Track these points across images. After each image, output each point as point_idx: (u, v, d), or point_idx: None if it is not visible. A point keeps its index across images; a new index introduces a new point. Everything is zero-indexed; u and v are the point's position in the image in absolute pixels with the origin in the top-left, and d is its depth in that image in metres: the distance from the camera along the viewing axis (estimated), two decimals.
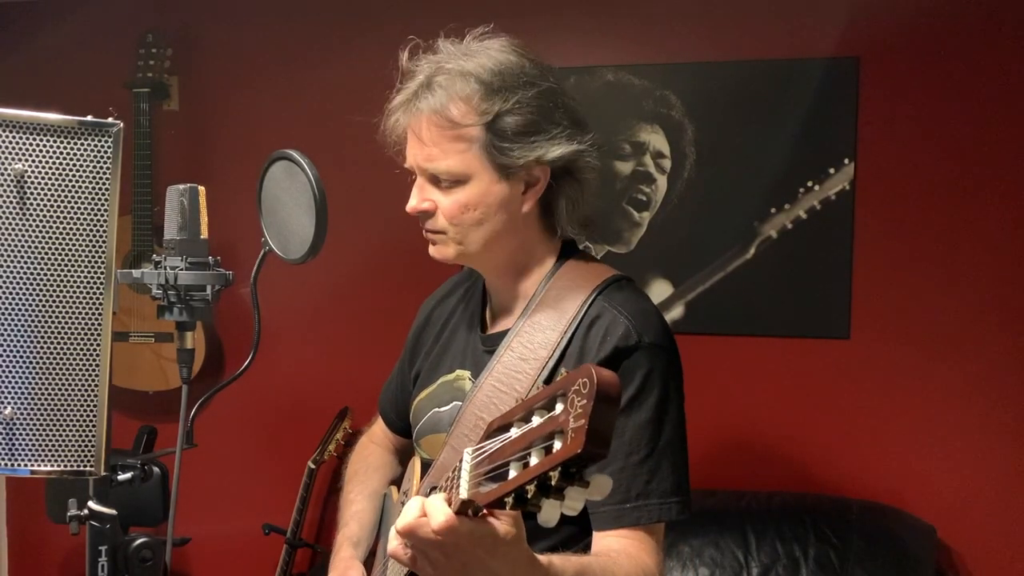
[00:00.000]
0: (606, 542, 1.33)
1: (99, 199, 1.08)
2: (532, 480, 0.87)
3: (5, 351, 1.07)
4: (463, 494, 0.98)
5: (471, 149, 1.34)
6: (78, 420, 1.09)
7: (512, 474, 0.91)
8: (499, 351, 1.41)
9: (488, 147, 1.34)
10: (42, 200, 1.06)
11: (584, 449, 0.82)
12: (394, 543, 1.06)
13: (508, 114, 1.33)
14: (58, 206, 1.07)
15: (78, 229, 1.08)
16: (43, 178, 1.06)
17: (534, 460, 0.88)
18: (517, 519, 1.04)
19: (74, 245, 1.08)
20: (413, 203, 1.41)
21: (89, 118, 1.08)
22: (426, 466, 1.48)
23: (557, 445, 0.86)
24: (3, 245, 1.06)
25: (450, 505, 1.00)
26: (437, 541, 1.00)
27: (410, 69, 1.40)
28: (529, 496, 0.88)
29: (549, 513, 0.89)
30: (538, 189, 1.39)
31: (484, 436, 0.99)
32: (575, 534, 1.38)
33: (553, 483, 0.86)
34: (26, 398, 1.08)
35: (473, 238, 1.39)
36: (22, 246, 1.06)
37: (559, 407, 0.88)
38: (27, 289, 1.07)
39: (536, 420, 0.91)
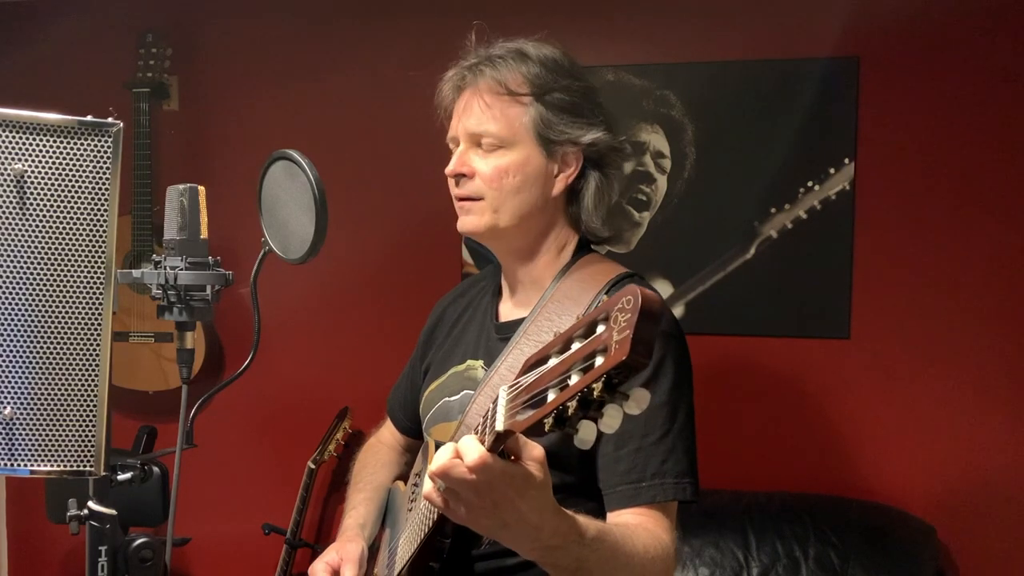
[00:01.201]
0: (623, 518, 1.35)
1: (99, 199, 1.08)
2: (574, 396, 0.89)
3: (5, 351, 1.07)
4: (500, 426, 0.99)
5: (520, 118, 1.44)
6: (78, 420, 1.09)
7: (551, 398, 0.92)
8: (514, 338, 1.45)
9: (536, 119, 1.44)
10: (42, 200, 1.06)
11: (629, 356, 0.84)
12: (428, 486, 1.08)
13: (558, 92, 1.45)
14: (58, 206, 1.07)
15: (78, 229, 1.08)
16: (43, 178, 1.06)
17: (574, 380, 0.90)
18: (544, 466, 1.06)
19: (74, 245, 1.08)
20: (452, 166, 1.48)
21: (89, 118, 1.08)
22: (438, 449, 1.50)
23: (599, 360, 0.88)
24: (3, 245, 1.06)
25: (483, 444, 1.02)
26: (470, 480, 1.01)
27: (473, 49, 1.50)
28: (570, 414, 0.90)
29: (586, 433, 0.91)
30: (570, 174, 1.47)
31: (520, 372, 1.02)
32: (592, 510, 1.39)
33: (595, 395, 0.88)
34: (26, 398, 1.08)
35: (508, 207, 1.45)
36: (22, 246, 1.06)
37: (601, 328, 0.91)
38: (27, 289, 1.07)
39: (576, 346, 0.93)
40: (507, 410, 1.00)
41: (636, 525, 1.32)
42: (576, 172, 1.47)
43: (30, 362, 1.08)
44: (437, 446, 1.48)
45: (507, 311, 1.55)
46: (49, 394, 1.09)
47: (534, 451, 1.05)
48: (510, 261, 1.54)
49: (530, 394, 0.96)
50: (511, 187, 1.44)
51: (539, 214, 1.47)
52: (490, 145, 1.44)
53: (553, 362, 0.96)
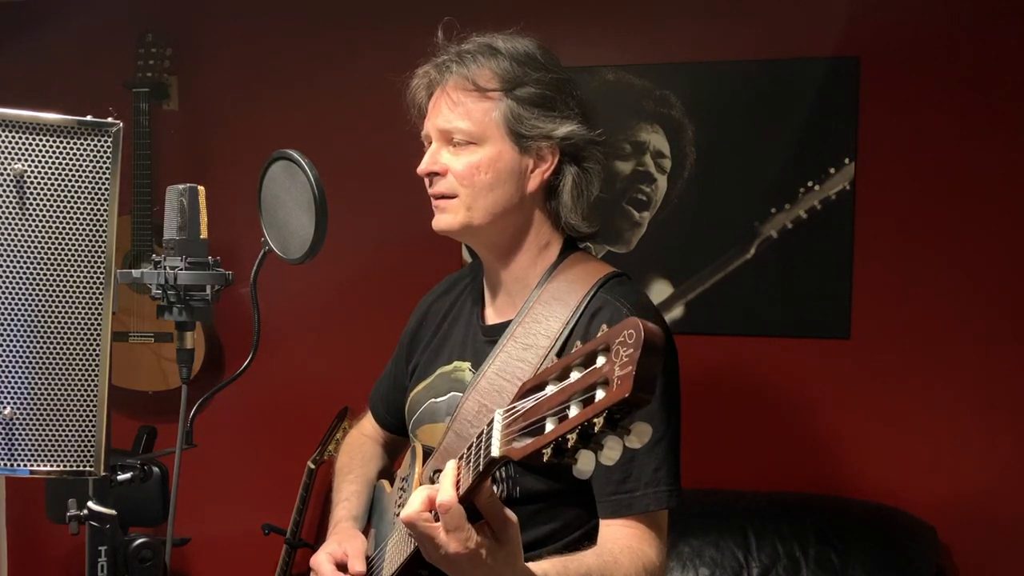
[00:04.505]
0: (610, 532, 1.35)
1: (99, 199, 1.08)
2: (575, 428, 0.89)
3: (5, 351, 1.07)
4: (495, 451, 1.00)
5: (490, 113, 1.41)
6: (77, 420, 1.09)
7: (550, 427, 0.92)
8: (502, 340, 1.44)
9: (506, 114, 1.41)
10: (41, 200, 1.06)
11: (631, 394, 0.84)
12: (408, 510, 1.14)
13: (528, 86, 1.42)
14: (57, 206, 1.07)
15: (78, 229, 1.08)
16: (42, 178, 1.06)
17: (574, 412, 0.90)
18: (517, 532, 1.12)
19: (74, 245, 1.08)
20: (424, 165, 1.46)
21: (89, 118, 1.07)
22: (426, 454, 1.50)
23: (600, 394, 0.88)
24: (3, 245, 1.06)
25: (458, 487, 1.09)
26: (436, 532, 1.11)
27: (442, 46, 1.48)
28: (569, 445, 0.90)
29: (586, 464, 0.91)
30: (545, 169, 1.44)
31: (516, 397, 1.02)
32: (578, 516, 1.41)
33: (596, 430, 0.88)
34: (26, 398, 1.08)
35: (481, 204, 1.42)
36: (22, 246, 1.06)
37: (601, 360, 0.91)
38: (27, 289, 1.07)
39: (575, 375, 0.93)
40: (503, 435, 0.99)
41: (621, 549, 1.32)
42: (552, 167, 1.44)
43: (30, 362, 1.08)
44: (425, 451, 1.49)
45: (493, 312, 1.54)
46: (49, 394, 1.08)
47: (511, 517, 1.12)
48: (490, 258, 1.52)
49: (527, 421, 0.96)
50: (484, 184, 1.41)
51: (515, 211, 1.45)
52: (461, 142, 1.42)
53: (551, 390, 0.95)
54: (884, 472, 2.57)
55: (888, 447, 2.58)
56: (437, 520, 1.11)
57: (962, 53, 2.50)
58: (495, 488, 1.38)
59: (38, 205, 1.06)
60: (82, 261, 1.08)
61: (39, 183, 1.06)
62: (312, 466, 2.84)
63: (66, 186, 1.07)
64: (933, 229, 2.54)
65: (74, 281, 1.08)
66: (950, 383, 2.53)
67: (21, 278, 1.07)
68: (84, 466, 1.10)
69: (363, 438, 1.81)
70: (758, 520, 2.40)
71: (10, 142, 1.05)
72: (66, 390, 1.09)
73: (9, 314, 1.07)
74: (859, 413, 2.60)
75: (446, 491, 1.09)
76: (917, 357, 2.55)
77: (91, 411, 1.10)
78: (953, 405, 2.53)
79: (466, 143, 1.42)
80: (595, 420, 0.87)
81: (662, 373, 1.36)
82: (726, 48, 2.64)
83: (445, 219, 1.45)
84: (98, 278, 1.09)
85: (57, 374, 1.09)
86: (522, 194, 1.44)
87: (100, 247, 1.09)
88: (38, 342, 1.08)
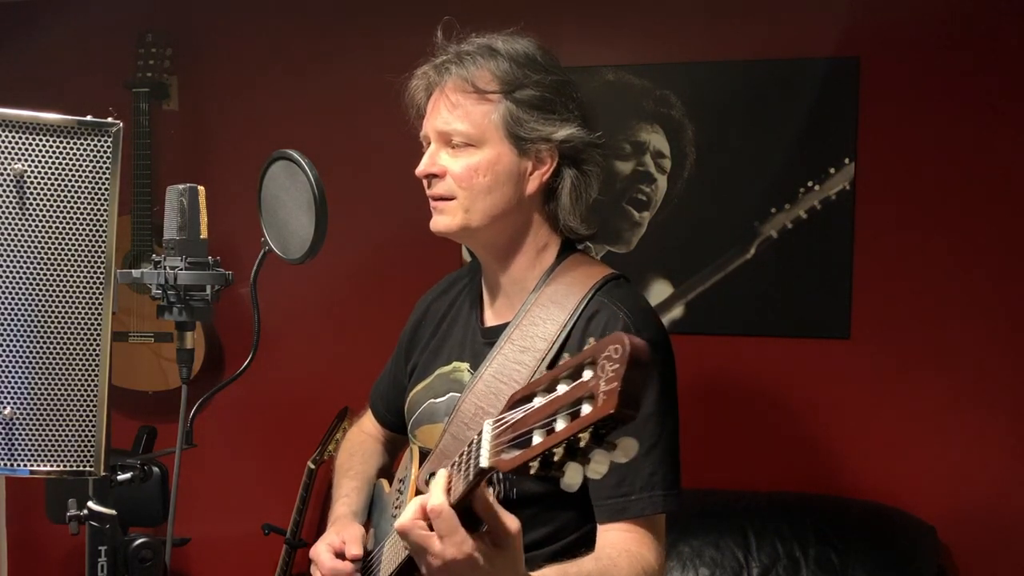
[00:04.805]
0: (608, 536, 1.35)
1: (98, 199, 1.08)
2: (561, 443, 0.89)
3: (5, 351, 1.07)
4: (484, 462, 1.00)
5: (489, 116, 1.41)
6: (77, 420, 1.09)
7: (536, 440, 0.92)
8: (499, 343, 1.44)
9: (505, 116, 1.40)
10: (41, 200, 1.06)
11: (616, 410, 0.84)
12: (402, 519, 1.13)
13: (528, 88, 1.41)
14: (57, 206, 1.07)
15: (77, 229, 1.08)
16: (42, 178, 1.06)
17: (560, 425, 0.90)
18: (519, 538, 1.11)
19: (73, 245, 1.08)
20: (422, 166, 1.45)
21: (89, 118, 1.08)
22: (423, 456, 1.50)
23: (586, 409, 0.88)
24: (3, 245, 1.06)
25: (448, 494, 1.07)
26: (431, 540, 1.09)
27: (441, 46, 1.47)
28: (556, 459, 0.90)
29: (573, 477, 0.91)
30: (544, 171, 1.44)
31: (505, 408, 1.02)
32: (572, 519, 1.41)
33: (582, 445, 0.88)
34: (26, 398, 1.08)
35: (480, 207, 1.42)
36: (22, 246, 1.06)
37: (588, 374, 0.90)
38: (27, 289, 1.07)
39: (562, 388, 0.93)
40: (492, 446, 1.00)
41: (620, 552, 1.32)
42: (551, 170, 1.44)
43: (30, 362, 1.08)
44: (422, 453, 1.49)
45: (492, 313, 1.54)
46: (49, 394, 1.09)
47: (511, 523, 1.10)
48: (488, 260, 1.52)
49: (515, 432, 0.96)
50: (482, 186, 1.41)
51: (513, 213, 1.44)
52: (460, 144, 1.41)
53: (539, 402, 0.95)
54: (884, 472, 2.57)
55: (888, 447, 2.58)
56: (432, 529, 1.10)
57: (962, 53, 2.50)
58: (492, 490, 1.38)
59: (38, 205, 1.06)
60: (82, 261, 1.08)
61: (39, 183, 1.06)
62: (312, 466, 2.84)
63: (66, 186, 1.07)
64: (933, 229, 2.53)
65: (74, 281, 1.08)
66: (950, 383, 2.53)
67: (21, 278, 1.07)
68: (84, 466, 1.10)
69: (363, 436, 1.82)
70: (758, 520, 2.40)
71: (10, 142, 1.05)
72: (66, 390, 1.09)
73: (9, 314, 1.07)
74: (859, 413, 2.60)
75: (436, 496, 1.08)
76: (917, 357, 2.55)
77: (91, 411, 1.10)
78: (953, 405, 2.53)
79: (465, 145, 1.41)
80: (581, 435, 0.87)
81: (658, 377, 1.37)
82: (726, 48, 2.64)
83: (443, 221, 1.45)
84: (98, 278, 1.09)
85: (57, 374, 1.09)
86: (520, 196, 1.44)
87: (100, 247, 1.09)
88: (38, 342, 1.08)
